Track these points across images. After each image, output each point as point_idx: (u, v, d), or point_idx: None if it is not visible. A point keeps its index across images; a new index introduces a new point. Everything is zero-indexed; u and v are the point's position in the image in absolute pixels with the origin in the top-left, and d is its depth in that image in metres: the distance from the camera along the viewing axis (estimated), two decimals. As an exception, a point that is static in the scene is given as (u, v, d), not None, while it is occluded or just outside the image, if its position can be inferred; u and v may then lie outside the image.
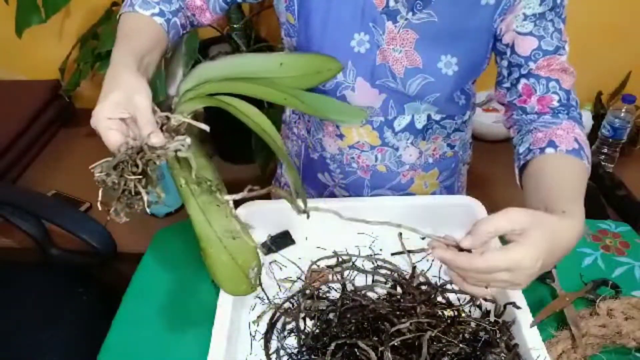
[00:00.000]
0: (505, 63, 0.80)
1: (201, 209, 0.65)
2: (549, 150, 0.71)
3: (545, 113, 0.78)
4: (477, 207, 0.85)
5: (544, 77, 0.77)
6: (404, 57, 0.78)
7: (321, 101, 0.77)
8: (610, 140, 1.52)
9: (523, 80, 0.78)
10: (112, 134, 0.57)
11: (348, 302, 0.71)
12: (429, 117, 0.86)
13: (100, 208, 0.58)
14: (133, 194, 0.58)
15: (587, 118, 1.63)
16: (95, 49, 1.40)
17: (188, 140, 0.59)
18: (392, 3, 0.76)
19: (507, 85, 0.81)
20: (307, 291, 0.75)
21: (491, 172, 1.58)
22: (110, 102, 0.57)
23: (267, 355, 0.68)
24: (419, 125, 0.87)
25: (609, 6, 1.54)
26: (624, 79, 1.68)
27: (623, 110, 1.49)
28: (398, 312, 0.68)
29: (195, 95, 0.65)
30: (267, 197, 0.64)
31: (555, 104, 0.77)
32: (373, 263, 0.80)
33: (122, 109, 0.57)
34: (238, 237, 0.65)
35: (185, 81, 0.66)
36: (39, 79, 1.78)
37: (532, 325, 0.66)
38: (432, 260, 0.81)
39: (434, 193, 0.98)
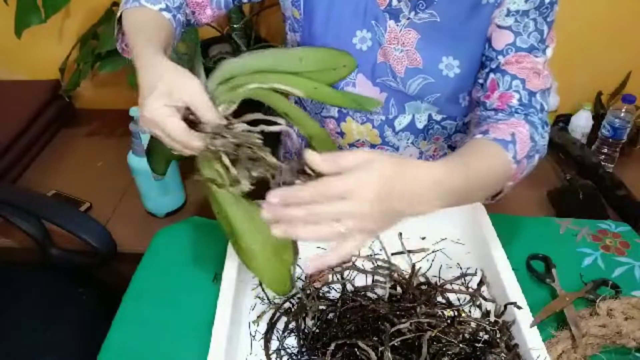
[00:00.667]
0: (483, 57, 0.79)
1: (249, 212, 0.64)
2: (478, 135, 0.69)
3: (502, 110, 0.75)
4: (477, 207, 0.85)
5: (510, 73, 0.75)
6: (405, 57, 0.78)
7: (339, 92, 0.76)
8: (610, 140, 1.52)
9: (491, 75, 0.76)
10: (173, 120, 0.56)
11: (348, 302, 0.71)
12: (429, 117, 0.86)
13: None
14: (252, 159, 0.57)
15: (587, 118, 1.63)
16: (95, 49, 1.40)
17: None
18: (394, 2, 0.76)
19: (481, 81, 0.79)
20: (308, 291, 0.75)
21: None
22: (160, 91, 0.57)
23: (267, 355, 0.68)
24: (420, 125, 0.87)
25: (609, 6, 1.54)
26: (624, 79, 1.67)
27: (623, 110, 1.49)
28: (398, 312, 0.68)
29: (230, 87, 0.65)
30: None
31: (515, 102, 0.74)
32: (373, 263, 0.80)
33: (176, 97, 0.57)
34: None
35: (213, 77, 0.66)
36: (39, 79, 1.78)
37: (532, 326, 0.66)
38: (432, 260, 0.81)
39: None
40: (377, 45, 0.79)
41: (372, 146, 0.89)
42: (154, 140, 0.72)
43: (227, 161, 0.58)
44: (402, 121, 0.86)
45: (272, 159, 0.57)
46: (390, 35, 0.78)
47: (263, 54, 0.70)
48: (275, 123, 0.60)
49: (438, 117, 0.87)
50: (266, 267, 0.66)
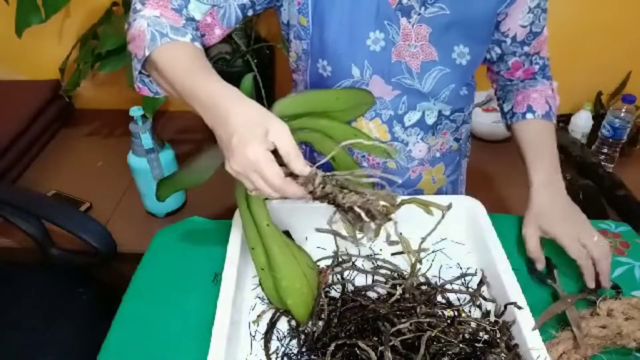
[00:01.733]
0: (498, 49, 0.90)
1: (291, 252, 0.69)
2: (529, 115, 0.90)
3: (527, 79, 0.94)
4: (477, 207, 0.85)
5: (531, 54, 0.90)
6: (420, 52, 0.80)
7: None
8: (610, 140, 1.52)
9: (514, 58, 0.90)
10: (274, 165, 0.57)
11: (348, 302, 0.71)
12: (439, 112, 0.88)
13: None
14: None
15: (587, 118, 1.63)
16: (95, 49, 1.40)
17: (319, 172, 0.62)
18: (405, 0, 0.77)
19: (498, 61, 0.92)
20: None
21: (491, 171, 1.58)
22: (261, 135, 0.56)
23: (267, 355, 0.68)
24: (430, 121, 0.89)
25: (610, 6, 1.54)
26: (624, 79, 1.67)
27: (623, 110, 1.49)
28: (398, 312, 0.68)
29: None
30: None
31: (537, 69, 0.92)
32: (373, 263, 0.80)
33: (269, 141, 0.57)
34: (311, 268, 0.72)
35: None
36: (39, 79, 1.78)
37: (534, 329, 0.66)
38: (432, 261, 0.81)
39: (440, 189, 0.98)
40: (390, 44, 0.80)
41: (382, 143, 0.89)
42: (180, 174, 0.72)
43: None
44: (412, 117, 0.87)
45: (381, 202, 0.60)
46: (403, 32, 0.79)
47: (308, 95, 0.75)
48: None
49: (447, 112, 0.89)
50: (300, 301, 0.69)
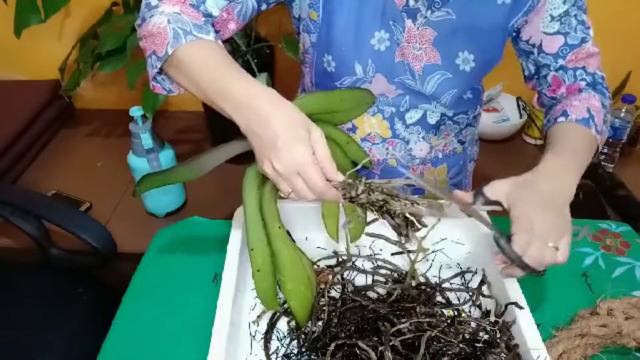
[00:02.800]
0: (531, 61, 0.85)
1: (293, 246, 0.71)
2: (561, 119, 0.79)
3: (572, 94, 0.84)
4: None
5: (571, 68, 0.83)
6: (423, 54, 0.80)
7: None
8: (610, 140, 1.52)
9: (552, 73, 0.84)
10: (317, 169, 0.58)
11: (348, 302, 0.71)
12: (442, 113, 0.88)
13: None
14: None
15: (587, 118, 1.63)
16: (95, 49, 1.40)
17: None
18: (412, 2, 0.77)
19: (537, 77, 0.87)
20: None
21: (491, 171, 1.57)
22: (306, 138, 0.58)
23: (267, 355, 0.68)
24: (432, 120, 0.88)
25: (610, 6, 1.54)
26: (624, 79, 1.67)
27: (623, 110, 1.49)
28: (398, 312, 0.67)
29: None
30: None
31: (583, 85, 0.83)
32: (373, 263, 0.80)
33: (307, 142, 0.58)
34: (312, 270, 0.72)
35: None
36: (39, 79, 1.78)
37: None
38: (432, 260, 0.81)
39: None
40: (395, 45, 0.80)
41: (383, 140, 0.89)
42: (177, 169, 0.72)
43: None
44: (414, 115, 0.87)
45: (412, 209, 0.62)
46: (408, 34, 0.79)
47: (315, 96, 0.75)
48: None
49: (450, 113, 0.89)
50: (302, 303, 0.70)
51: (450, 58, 0.80)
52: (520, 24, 0.81)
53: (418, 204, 0.62)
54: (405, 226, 0.62)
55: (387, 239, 0.70)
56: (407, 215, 0.61)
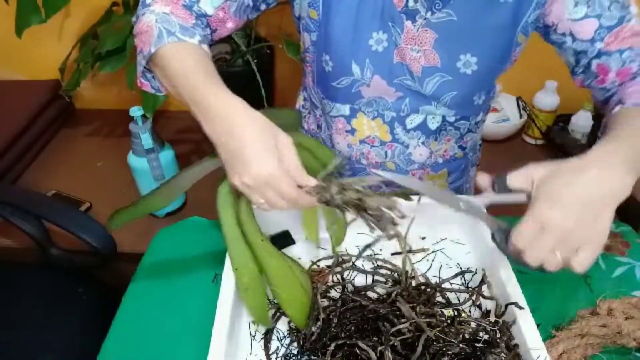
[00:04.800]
0: (570, 52, 0.78)
1: (280, 255, 0.69)
2: (616, 108, 0.70)
3: (625, 82, 0.75)
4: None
5: (615, 50, 0.75)
6: (422, 57, 0.79)
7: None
8: (611, 140, 1.52)
9: (595, 61, 0.77)
10: (289, 180, 0.57)
11: (348, 302, 0.71)
12: (443, 118, 0.87)
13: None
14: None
15: (587, 118, 1.63)
16: (95, 49, 1.40)
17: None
18: (411, 3, 0.76)
19: (581, 70, 0.80)
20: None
21: (491, 171, 1.58)
22: (273, 150, 0.57)
23: (267, 355, 0.68)
24: (433, 126, 0.87)
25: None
26: (624, 79, 1.67)
27: (623, 110, 1.49)
28: (398, 312, 0.67)
29: None
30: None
31: (636, 69, 0.74)
32: (373, 263, 0.80)
33: (278, 155, 0.57)
34: (303, 272, 0.71)
35: None
36: (39, 79, 1.78)
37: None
38: (432, 260, 0.81)
39: None
40: (393, 45, 0.79)
41: (382, 143, 0.89)
42: (145, 200, 0.73)
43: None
44: (414, 120, 0.86)
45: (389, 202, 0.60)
46: (407, 35, 0.78)
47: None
48: None
49: (452, 119, 0.87)
50: (300, 310, 0.69)
51: (451, 61, 0.78)
52: (535, 19, 0.76)
53: (387, 195, 0.60)
54: (383, 221, 0.60)
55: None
56: (383, 209, 0.59)
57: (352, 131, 0.90)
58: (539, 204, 0.55)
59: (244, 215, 0.67)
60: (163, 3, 0.71)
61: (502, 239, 0.58)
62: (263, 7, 0.81)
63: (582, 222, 0.53)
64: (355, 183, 0.61)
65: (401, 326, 0.64)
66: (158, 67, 0.67)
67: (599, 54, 0.76)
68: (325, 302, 0.74)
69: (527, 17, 0.75)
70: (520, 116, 1.72)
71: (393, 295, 0.70)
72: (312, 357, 0.66)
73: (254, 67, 1.49)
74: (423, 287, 0.74)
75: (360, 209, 0.60)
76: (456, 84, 0.80)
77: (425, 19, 0.77)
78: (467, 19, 0.76)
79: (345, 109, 0.88)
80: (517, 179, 0.59)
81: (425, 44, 0.78)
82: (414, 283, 0.74)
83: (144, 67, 0.69)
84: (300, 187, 0.59)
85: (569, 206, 0.54)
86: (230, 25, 0.78)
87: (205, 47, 0.69)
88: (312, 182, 0.59)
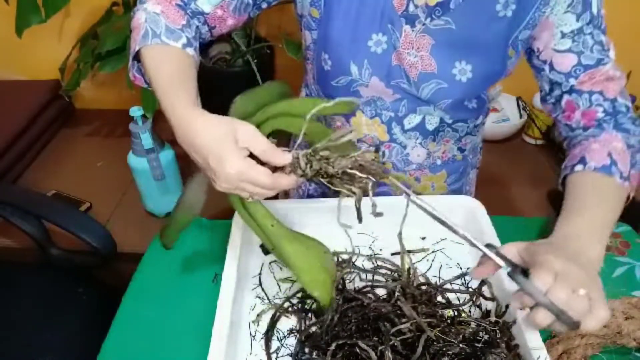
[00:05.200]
0: (546, 80, 0.80)
1: (295, 237, 0.69)
2: (578, 167, 0.72)
3: (590, 126, 0.77)
4: (477, 207, 0.85)
5: (586, 91, 0.77)
6: (419, 62, 0.79)
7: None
8: (611, 140, 1.51)
9: (566, 97, 0.79)
10: (258, 169, 0.58)
11: (349, 301, 0.71)
12: (441, 119, 0.86)
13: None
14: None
15: (587, 118, 1.63)
16: (95, 49, 1.40)
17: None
18: (411, 8, 0.76)
19: (552, 101, 0.82)
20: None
21: (491, 171, 1.58)
22: (232, 147, 0.57)
23: (268, 355, 0.68)
24: (430, 127, 0.87)
25: (609, 6, 1.54)
26: (624, 79, 1.67)
27: (623, 110, 1.49)
28: (399, 312, 0.67)
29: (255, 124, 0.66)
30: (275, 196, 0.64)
31: (600, 115, 0.76)
32: (373, 263, 0.80)
33: (242, 146, 0.58)
34: (325, 252, 0.70)
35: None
36: (39, 79, 1.78)
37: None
38: (432, 260, 0.81)
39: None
40: (392, 48, 0.79)
41: (380, 142, 0.89)
42: (176, 216, 0.72)
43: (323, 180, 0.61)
44: (412, 120, 0.86)
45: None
46: (405, 40, 0.78)
47: (253, 93, 0.71)
48: None
49: (449, 120, 0.87)
50: (324, 290, 0.68)
51: (447, 67, 0.78)
52: (525, 38, 0.77)
53: (352, 155, 0.59)
54: (356, 181, 0.59)
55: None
56: (349, 170, 0.59)
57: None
58: (547, 260, 0.55)
59: (249, 205, 0.67)
60: (157, 1, 0.72)
61: (524, 278, 0.55)
62: (264, 5, 0.81)
63: (583, 273, 0.55)
64: (325, 143, 0.60)
65: (402, 326, 0.64)
66: (142, 65, 0.69)
67: (570, 90, 0.78)
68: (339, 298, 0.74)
69: (517, 32, 0.76)
70: (520, 116, 1.72)
71: (396, 293, 0.69)
72: (313, 357, 0.66)
73: (254, 67, 1.49)
74: (424, 287, 0.74)
75: (329, 176, 0.59)
76: (451, 90, 0.80)
77: (424, 24, 0.77)
78: (465, 29, 0.76)
79: None
80: (504, 249, 0.60)
81: (422, 49, 0.78)
82: (414, 283, 0.74)
83: (137, 63, 0.72)
84: (282, 168, 0.59)
85: (566, 261, 0.55)
86: (230, 22, 0.79)
87: (189, 50, 0.70)
88: (287, 158, 0.59)
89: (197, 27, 0.76)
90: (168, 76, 0.66)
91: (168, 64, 0.67)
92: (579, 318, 0.53)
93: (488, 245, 0.58)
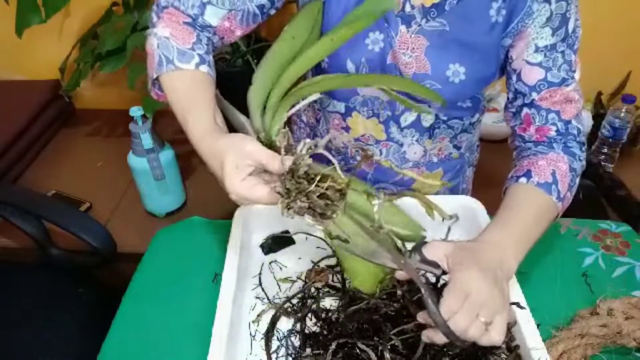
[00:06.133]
0: (512, 88, 0.81)
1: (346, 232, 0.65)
2: (522, 180, 0.74)
3: (542, 142, 0.79)
4: (477, 207, 0.85)
5: (545, 108, 0.78)
6: (414, 62, 0.79)
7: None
8: (610, 140, 1.52)
9: (525, 109, 0.80)
10: (256, 189, 0.59)
11: (349, 302, 0.71)
12: (436, 116, 0.87)
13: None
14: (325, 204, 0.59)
15: (587, 118, 1.63)
16: (95, 49, 1.40)
17: (309, 140, 0.60)
18: (408, 8, 0.77)
19: (513, 110, 0.83)
20: (312, 290, 0.75)
21: (491, 171, 1.58)
22: (230, 170, 0.59)
23: (268, 355, 0.68)
24: (426, 123, 0.87)
25: (609, 6, 1.54)
26: (624, 79, 1.68)
27: (623, 110, 1.49)
28: (403, 312, 0.67)
29: (272, 114, 0.66)
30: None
31: (553, 133, 0.78)
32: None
33: (244, 167, 0.59)
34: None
35: (252, 113, 0.67)
36: (39, 79, 1.78)
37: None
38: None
39: (436, 193, 0.98)
40: (388, 46, 0.79)
41: (377, 141, 0.89)
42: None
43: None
44: (408, 118, 0.87)
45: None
46: (400, 39, 0.78)
47: (301, 57, 0.70)
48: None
49: (445, 117, 0.87)
50: (367, 277, 0.68)
51: (441, 69, 0.79)
52: (506, 45, 0.78)
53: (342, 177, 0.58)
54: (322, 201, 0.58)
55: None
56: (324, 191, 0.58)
57: (347, 129, 0.90)
58: (463, 273, 0.58)
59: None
60: (165, 24, 0.74)
61: (434, 302, 0.57)
62: (272, 11, 0.82)
63: (494, 291, 0.58)
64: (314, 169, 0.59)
65: (406, 326, 0.64)
66: (162, 88, 0.74)
67: (531, 104, 0.79)
68: (327, 302, 0.74)
69: (500, 38, 0.77)
70: (520, 116, 1.72)
71: (398, 292, 0.69)
72: (313, 356, 0.66)
73: (254, 67, 1.48)
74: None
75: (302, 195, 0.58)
76: (445, 92, 0.80)
77: (419, 25, 0.77)
78: (459, 31, 0.76)
79: (341, 107, 0.88)
80: (430, 252, 0.61)
81: (417, 50, 0.78)
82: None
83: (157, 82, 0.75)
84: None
85: (483, 278, 0.58)
86: (238, 33, 0.80)
87: (203, 67, 0.72)
88: (287, 161, 0.59)
89: (208, 38, 0.77)
90: (182, 102, 0.70)
91: (181, 88, 0.71)
92: (473, 340, 0.57)
93: (414, 249, 0.61)
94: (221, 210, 1.25)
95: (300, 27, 0.72)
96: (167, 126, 1.79)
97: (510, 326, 0.67)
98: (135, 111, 1.25)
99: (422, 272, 0.61)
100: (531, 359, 0.63)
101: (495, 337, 0.57)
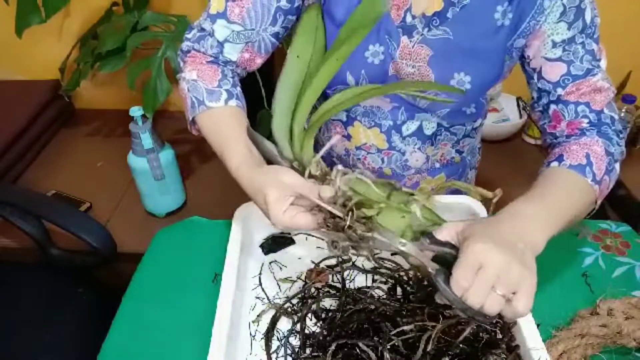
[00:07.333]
0: (534, 87, 0.80)
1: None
2: (554, 164, 0.72)
3: (574, 134, 0.77)
4: (477, 207, 0.85)
5: (573, 102, 0.76)
6: (417, 73, 0.78)
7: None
8: (611, 140, 1.52)
9: (552, 106, 0.78)
10: (298, 219, 0.61)
11: (349, 301, 0.71)
12: (438, 124, 0.86)
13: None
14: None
15: (587, 118, 1.63)
16: (95, 49, 1.40)
17: (341, 167, 0.63)
18: (409, 18, 0.75)
19: (540, 109, 0.81)
20: (312, 290, 0.75)
21: (491, 171, 1.58)
22: (273, 202, 0.61)
23: (268, 355, 0.68)
24: (428, 132, 0.87)
25: (609, 6, 1.54)
26: (624, 79, 1.67)
27: (623, 110, 1.49)
28: (404, 312, 0.67)
29: (299, 142, 0.68)
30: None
31: (585, 125, 0.76)
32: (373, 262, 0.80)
33: (285, 199, 0.61)
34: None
35: (278, 143, 0.69)
36: (39, 79, 1.78)
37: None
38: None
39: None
40: (389, 58, 0.78)
41: (379, 150, 0.89)
42: None
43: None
44: (410, 127, 0.86)
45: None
46: (402, 51, 0.77)
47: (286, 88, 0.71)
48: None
49: (447, 124, 0.87)
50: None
51: (445, 78, 0.77)
52: (520, 46, 0.77)
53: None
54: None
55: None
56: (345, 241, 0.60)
57: (348, 137, 0.90)
58: (471, 246, 0.55)
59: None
60: (191, 67, 0.80)
61: (444, 280, 0.55)
62: (284, 32, 0.83)
63: (512, 263, 0.54)
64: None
65: (406, 327, 0.64)
66: (199, 128, 0.79)
67: (557, 100, 0.77)
68: (327, 302, 0.74)
69: (512, 40, 0.75)
70: (520, 116, 1.72)
71: (399, 290, 0.70)
72: (313, 356, 0.66)
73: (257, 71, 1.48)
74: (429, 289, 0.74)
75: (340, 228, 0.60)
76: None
77: (422, 35, 0.76)
78: (463, 39, 0.75)
79: (342, 115, 0.88)
80: (442, 233, 0.60)
81: (420, 60, 0.77)
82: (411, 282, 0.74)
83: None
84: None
85: (497, 249, 0.54)
86: (259, 61, 0.84)
87: (232, 102, 0.77)
88: (327, 192, 0.60)
89: (232, 70, 0.82)
90: (217, 139, 0.74)
91: (215, 129, 0.75)
92: (492, 314, 0.54)
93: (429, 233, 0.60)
94: (221, 210, 1.25)
95: (303, 43, 0.73)
96: (167, 126, 1.79)
97: (511, 326, 0.67)
98: (135, 111, 1.25)
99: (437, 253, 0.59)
100: (531, 359, 0.63)
101: (519, 308, 0.53)
